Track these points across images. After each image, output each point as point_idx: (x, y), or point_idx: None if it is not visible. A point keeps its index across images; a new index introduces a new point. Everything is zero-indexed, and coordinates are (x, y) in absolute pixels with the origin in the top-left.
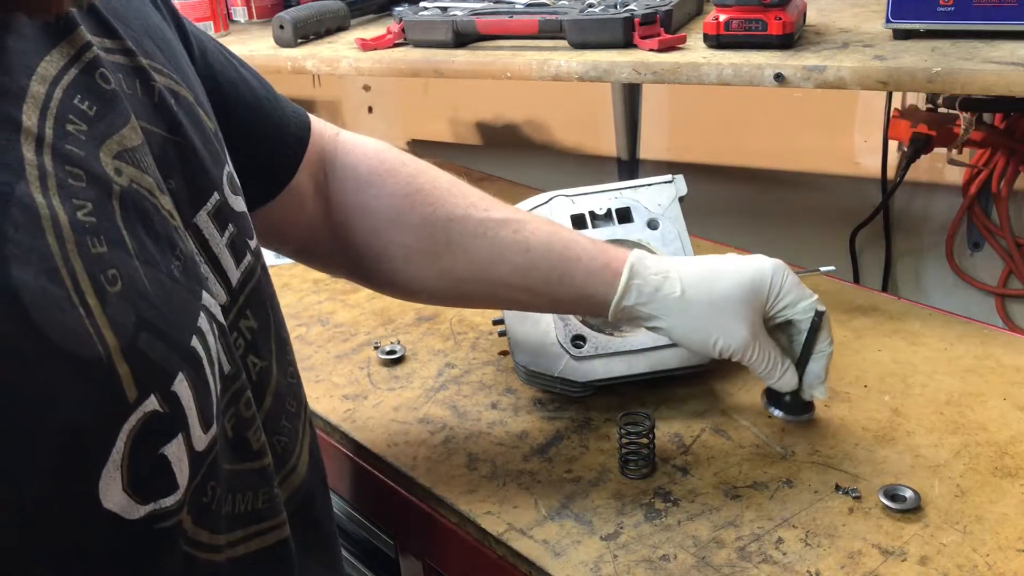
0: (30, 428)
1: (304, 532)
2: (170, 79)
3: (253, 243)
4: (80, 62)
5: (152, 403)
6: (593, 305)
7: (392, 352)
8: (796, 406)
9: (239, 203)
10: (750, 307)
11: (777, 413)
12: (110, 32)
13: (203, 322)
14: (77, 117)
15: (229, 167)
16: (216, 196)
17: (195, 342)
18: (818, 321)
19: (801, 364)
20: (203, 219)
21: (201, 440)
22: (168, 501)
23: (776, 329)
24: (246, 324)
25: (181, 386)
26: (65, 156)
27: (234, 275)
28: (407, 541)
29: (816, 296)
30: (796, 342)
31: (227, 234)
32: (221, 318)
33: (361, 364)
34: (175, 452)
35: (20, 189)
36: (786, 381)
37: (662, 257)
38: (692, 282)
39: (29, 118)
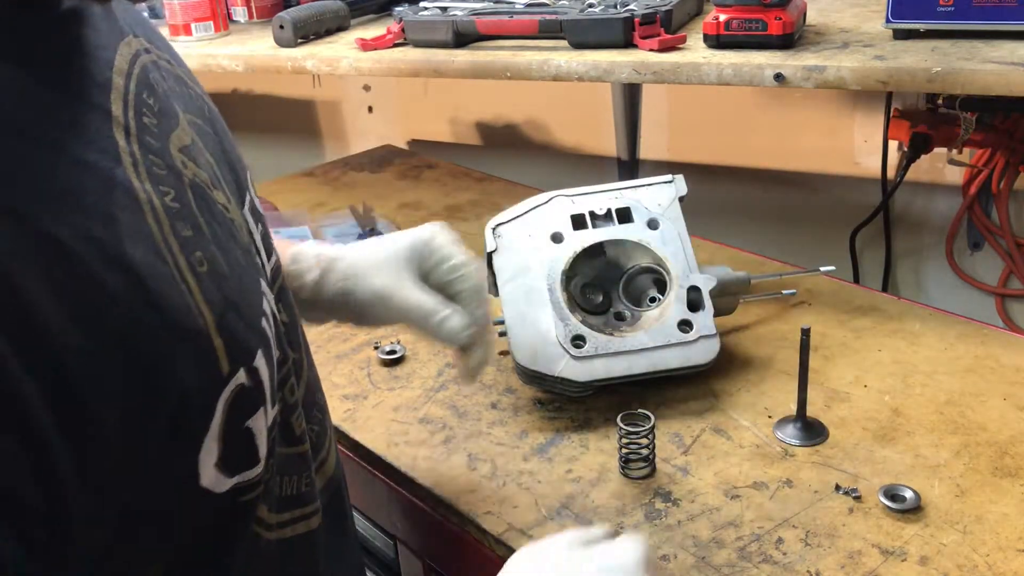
0: (152, 398)
1: (334, 522)
2: (186, 78)
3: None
4: (139, 63)
5: (241, 376)
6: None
7: (392, 352)
8: (806, 432)
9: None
10: (400, 266)
11: (789, 440)
12: (149, 40)
13: (266, 306)
14: (148, 111)
15: (247, 171)
16: (249, 193)
17: (264, 323)
18: (806, 340)
19: (801, 385)
20: (246, 213)
21: (271, 417)
22: (251, 474)
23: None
24: (280, 317)
25: (260, 362)
26: (147, 146)
27: (268, 269)
28: (407, 541)
29: (465, 258)
30: (462, 298)
31: (260, 228)
32: (272, 302)
33: (361, 364)
34: (258, 425)
35: (120, 174)
36: (448, 328)
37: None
38: (332, 255)
39: (117, 108)
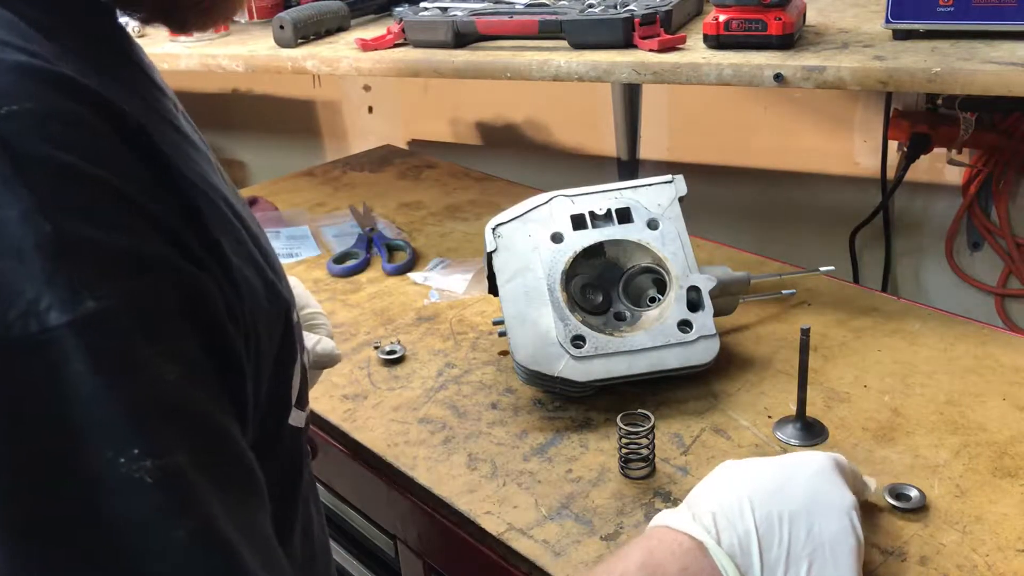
0: (275, 307)
1: (309, 477)
2: None
3: None
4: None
5: (295, 317)
6: None
7: (392, 352)
8: (806, 432)
9: None
10: None
11: (789, 440)
12: None
13: None
14: (194, 134)
15: None
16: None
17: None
18: (806, 340)
19: (801, 385)
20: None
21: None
22: (308, 407)
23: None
24: None
25: (294, 312)
26: (199, 141)
27: None
28: (407, 541)
29: (318, 306)
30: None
31: None
32: None
33: (361, 364)
34: (304, 363)
35: (203, 152)
36: (320, 351)
37: None
38: None
39: (184, 126)
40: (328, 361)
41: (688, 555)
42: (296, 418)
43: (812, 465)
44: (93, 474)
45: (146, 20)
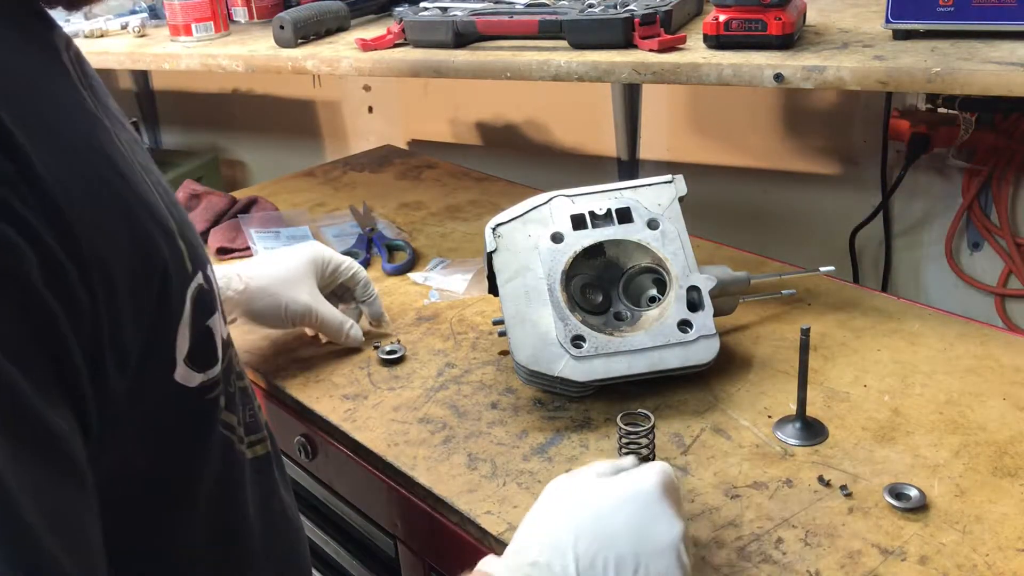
0: (147, 266)
1: (276, 455)
2: None
3: None
4: (73, 47)
5: (200, 279)
6: None
7: (392, 352)
8: (806, 431)
9: None
10: (310, 280)
11: (789, 440)
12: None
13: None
14: (88, 76)
15: None
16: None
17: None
18: (806, 340)
19: (801, 385)
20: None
21: (224, 330)
22: (213, 372)
23: (332, 296)
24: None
25: (211, 274)
26: (97, 96)
27: None
28: (407, 541)
29: (351, 260)
30: (358, 294)
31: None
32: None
33: (361, 364)
34: (216, 327)
35: (88, 106)
36: (352, 336)
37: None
38: (253, 273)
39: (69, 65)
40: (353, 344)
41: None
42: (187, 377)
43: (639, 496)
44: None
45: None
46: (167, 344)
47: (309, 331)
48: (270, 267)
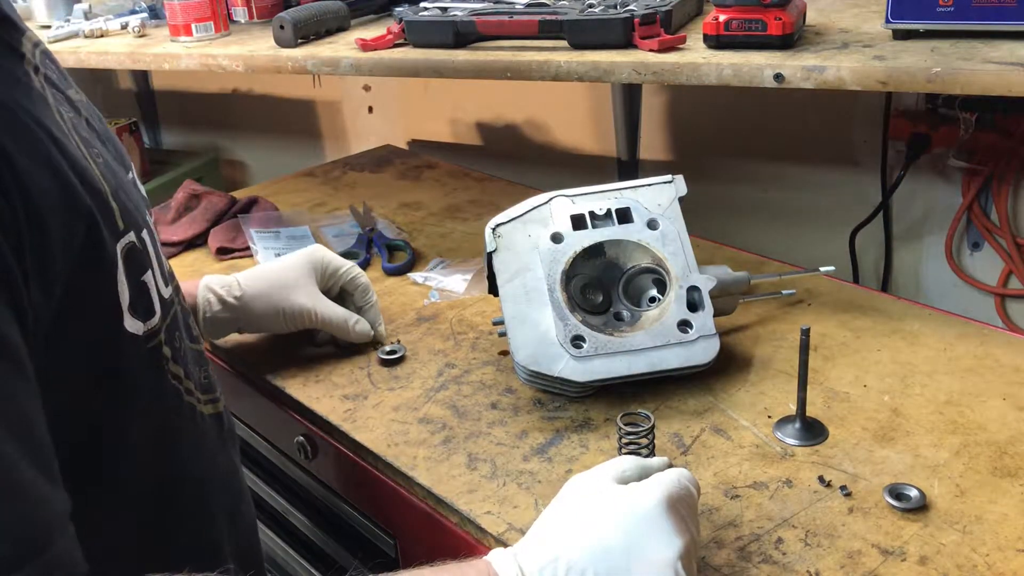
0: (74, 212)
1: (229, 421)
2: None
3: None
4: (41, 46)
5: (132, 237)
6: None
7: (392, 352)
8: (806, 431)
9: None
10: (309, 282)
11: (789, 440)
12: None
13: (148, 220)
14: (49, 69)
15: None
16: (132, 174)
17: (146, 220)
18: (806, 340)
19: (801, 385)
20: (133, 176)
21: (164, 290)
22: (152, 322)
23: (338, 299)
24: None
25: (146, 237)
26: (51, 82)
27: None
28: (407, 541)
29: (352, 263)
30: (357, 300)
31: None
32: (154, 229)
33: (361, 364)
34: (150, 283)
35: (35, 85)
36: (359, 331)
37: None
38: (251, 280)
39: (27, 53)
40: (362, 340)
41: None
42: (133, 325)
43: (640, 511)
44: None
45: None
46: (109, 291)
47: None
48: (268, 273)
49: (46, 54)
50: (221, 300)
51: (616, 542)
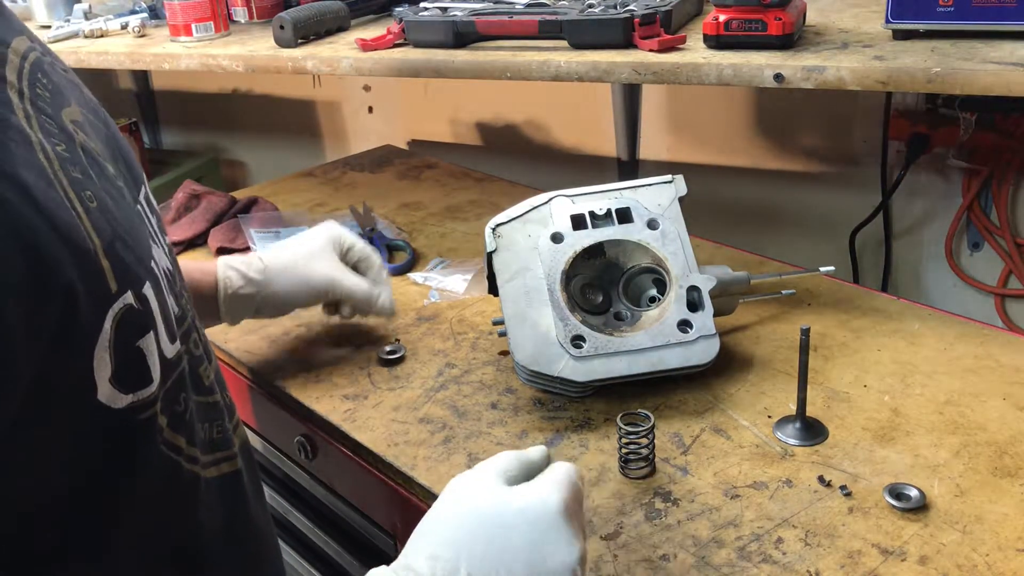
0: (43, 292)
1: (250, 470)
2: (94, 99)
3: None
4: (32, 53)
5: (129, 298)
6: (205, 302)
7: (392, 352)
8: (806, 431)
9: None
10: (331, 254)
11: (789, 440)
12: (44, 50)
13: (155, 253)
14: (40, 86)
15: (142, 172)
16: (144, 188)
17: (153, 265)
18: (806, 340)
19: (801, 385)
20: (141, 200)
21: (169, 349)
22: (145, 393)
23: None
24: (180, 284)
25: (149, 292)
26: (39, 108)
27: (162, 242)
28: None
29: (364, 243)
30: (371, 278)
31: (155, 218)
32: (168, 264)
33: (361, 364)
34: (149, 347)
35: (14, 120)
36: (383, 305)
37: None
38: (273, 255)
39: (11, 74)
40: (384, 313)
41: None
42: (112, 397)
43: (540, 516)
44: None
45: None
46: (80, 366)
47: (334, 317)
48: (289, 245)
49: (38, 66)
50: (243, 276)
51: (518, 548)
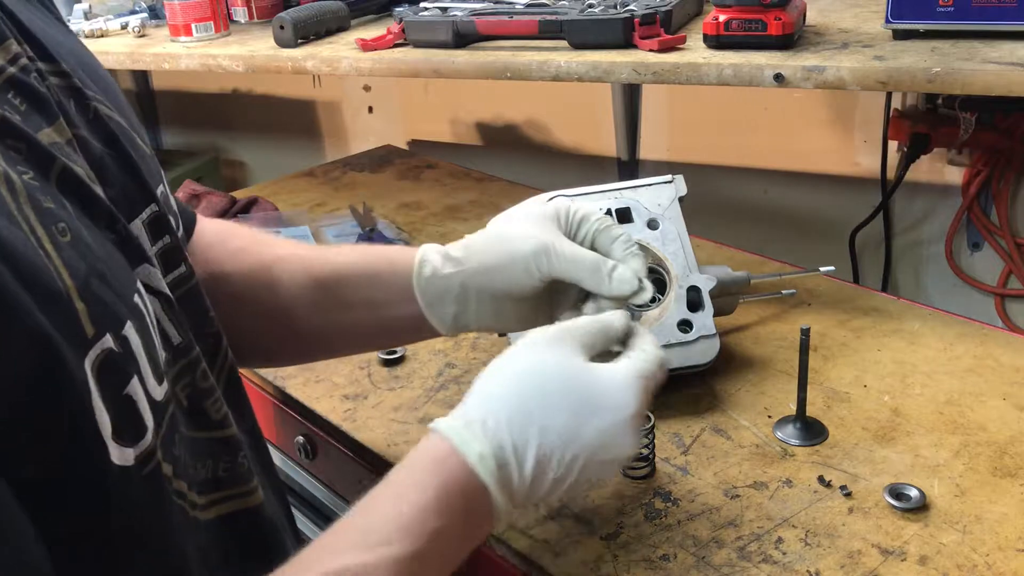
0: (15, 344)
1: (280, 500)
2: (103, 105)
3: (186, 260)
4: (16, 65)
5: (108, 341)
6: (400, 293)
7: (392, 352)
8: (806, 431)
9: (173, 221)
10: (553, 224)
11: (789, 440)
12: (47, 57)
13: (140, 287)
14: (10, 108)
15: (165, 187)
16: (153, 207)
17: (137, 299)
18: (806, 340)
19: (801, 385)
20: (136, 227)
21: (157, 391)
22: (145, 440)
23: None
24: (176, 313)
25: (131, 333)
26: (5, 132)
27: (160, 267)
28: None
29: (602, 214)
30: (615, 254)
31: (160, 244)
32: (167, 290)
33: (361, 364)
34: (137, 393)
35: None
36: (619, 277)
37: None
38: (476, 234)
39: None
40: (622, 290)
41: (474, 500)
42: (121, 456)
43: (618, 413)
44: None
45: None
46: (86, 425)
47: (579, 318)
48: (498, 221)
49: (11, 84)
50: (443, 254)
51: (588, 437)
